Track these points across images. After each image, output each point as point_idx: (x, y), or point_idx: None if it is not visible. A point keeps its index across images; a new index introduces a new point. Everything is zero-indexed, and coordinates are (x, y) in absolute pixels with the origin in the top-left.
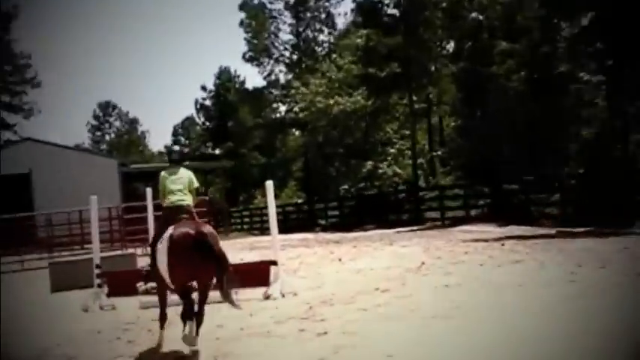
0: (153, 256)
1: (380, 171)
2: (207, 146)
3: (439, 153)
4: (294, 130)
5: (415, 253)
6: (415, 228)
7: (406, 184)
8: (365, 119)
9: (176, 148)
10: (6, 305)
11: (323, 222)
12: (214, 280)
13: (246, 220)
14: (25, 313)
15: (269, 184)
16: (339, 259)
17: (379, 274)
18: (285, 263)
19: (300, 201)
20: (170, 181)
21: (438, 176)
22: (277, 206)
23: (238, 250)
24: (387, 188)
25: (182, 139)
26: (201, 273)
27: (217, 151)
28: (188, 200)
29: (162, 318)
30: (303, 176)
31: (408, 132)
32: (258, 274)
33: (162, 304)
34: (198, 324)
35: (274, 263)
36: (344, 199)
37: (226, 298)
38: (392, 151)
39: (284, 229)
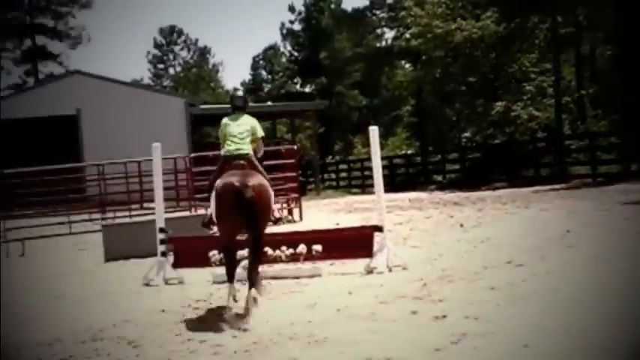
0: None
1: (513, 114)
2: (295, 82)
3: (590, 92)
4: (403, 62)
5: (558, 219)
6: (558, 187)
7: (546, 131)
8: (495, 48)
9: (239, 93)
10: (50, 276)
11: (439, 178)
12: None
13: (343, 174)
14: (74, 286)
15: (373, 130)
16: (461, 225)
17: (511, 245)
18: (392, 229)
19: (410, 152)
20: (231, 128)
21: (588, 121)
22: (383, 158)
23: (333, 212)
24: (522, 136)
25: (264, 73)
26: (240, 226)
27: (307, 89)
28: (247, 149)
29: (229, 273)
30: (415, 121)
31: (549, 65)
32: (358, 243)
33: (226, 258)
34: (250, 285)
35: (379, 229)
36: (466, 150)
37: (249, 272)
38: (529, 88)
39: (391, 186)
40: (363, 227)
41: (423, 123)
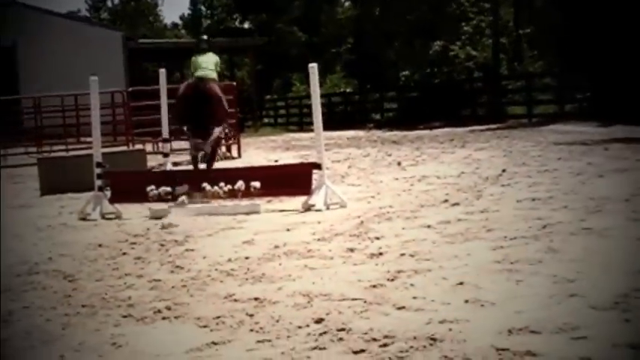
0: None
1: (451, 53)
2: (234, 18)
3: (527, 31)
4: (343, 0)
5: (494, 158)
6: (494, 126)
7: (484, 71)
8: None
9: (204, 37)
10: None
11: (378, 117)
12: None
13: (282, 112)
14: (9, 219)
15: (312, 68)
16: (398, 164)
17: (448, 184)
18: (330, 167)
19: (349, 90)
20: (199, 60)
21: (525, 61)
22: (321, 96)
23: (271, 149)
24: (460, 75)
25: (202, 8)
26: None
27: (246, 25)
28: (213, 75)
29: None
30: (353, 59)
31: (488, 5)
32: (296, 180)
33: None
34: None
35: (317, 167)
36: (404, 89)
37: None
38: (466, 28)
39: (329, 124)
40: (301, 164)
41: (361, 62)
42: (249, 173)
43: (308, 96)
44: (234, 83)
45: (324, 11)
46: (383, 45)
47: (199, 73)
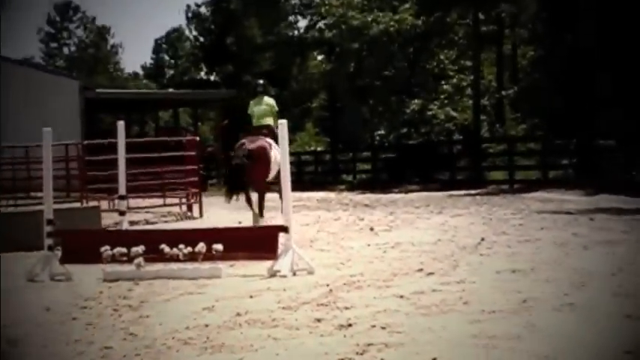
0: None
1: (429, 113)
2: (200, 69)
3: (510, 93)
4: (316, 53)
5: (472, 226)
6: (474, 192)
7: (464, 133)
8: (413, 43)
9: (260, 81)
10: None
11: (350, 178)
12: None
13: None
14: None
15: (282, 124)
16: (371, 229)
17: (423, 252)
18: (298, 230)
19: (320, 149)
20: (255, 108)
21: (507, 124)
22: (291, 154)
23: (235, 209)
24: (438, 137)
25: (166, 57)
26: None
27: (213, 77)
28: (267, 121)
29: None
30: (325, 116)
31: (469, 63)
32: (261, 243)
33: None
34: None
35: (284, 230)
36: (379, 149)
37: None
38: (446, 87)
39: (298, 184)
40: (267, 227)
41: (334, 118)
42: (211, 235)
43: None
44: (197, 138)
45: (296, 64)
46: (357, 102)
47: (255, 122)
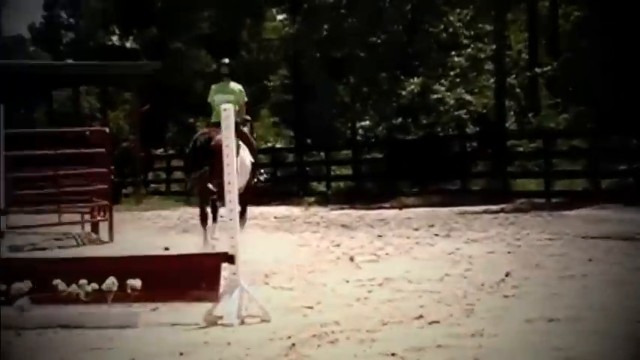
0: None
1: (434, 96)
2: (111, 32)
3: (547, 69)
4: (275, 11)
5: (493, 256)
6: (495, 208)
7: (482, 125)
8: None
9: (226, 60)
10: None
11: (322, 187)
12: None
13: (179, 174)
14: None
15: (226, 110)
16: (351, 259)
17: (424, 291)
18: (248, 260)
19: (280, 146)
20: (217, 97)
21: (542, 113)
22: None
23: (160, 230)
24: (446, 130)
25: (64, 15)
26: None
27: (129, 44)
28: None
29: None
30: (288, 100)
31: (490, 27)
32: (197, 279)
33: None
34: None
35: (229, 259)
36: (363, 147)
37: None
38: (458, 60)
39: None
40: (204, 255)
41: (299, 103)
42: (125, 266)
43: None
44: (107, 129)
45: (246, 27)
46: (332, 80)
47: (215, 117)
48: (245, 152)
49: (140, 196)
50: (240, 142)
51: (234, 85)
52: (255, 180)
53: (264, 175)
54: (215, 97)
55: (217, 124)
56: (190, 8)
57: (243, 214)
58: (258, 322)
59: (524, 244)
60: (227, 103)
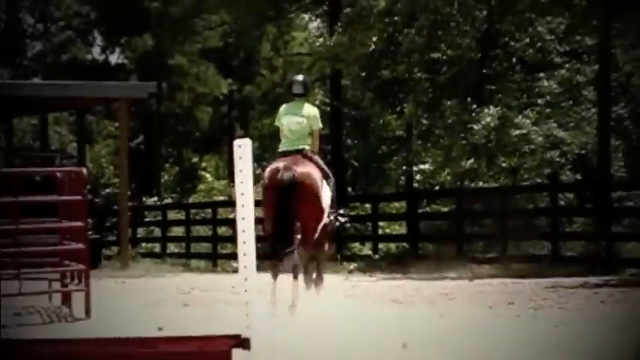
0: None
1: (516, 132)
2: (91, 43)
3: None
4: (306, 17)
5: (594, 344)
6: (597, 280)
7: (581, 170)
8: (489, 2)
9: (299, 77)
10: None
11: (367, 249)
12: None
13: (178, 231)
14: None
15: (241, 147)
16: (403, 346)
17: None
18: (267, 344)
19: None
20: (288, 120)
21: None
22: (257, 203)
23: (154, 303)
24: (532, 177)
25: (30, 20)
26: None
27: (115, 58)
28: (304, 145)
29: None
30: (323, 134)
31: (590, 40)
32: None
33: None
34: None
35: (242, 343)
36: (422, 197)
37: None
38: (548, 84)
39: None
40: (210, 339)
41: (338, 138)
42: (106, 352)
43: (230, 202)
44: (84, 170)
45: (268, 37)
46: (382, 108)
47: (286, 145)
48: (326, 188)
49: (127, 259)
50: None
51: (309, 109)
52: (335, 222)
53: (346, 218)
54: (284, 119)
55: (287, 154)
56: (196, 12)
57: (318, 268)
58: None
59: (636, 329)
60: (242, 139)
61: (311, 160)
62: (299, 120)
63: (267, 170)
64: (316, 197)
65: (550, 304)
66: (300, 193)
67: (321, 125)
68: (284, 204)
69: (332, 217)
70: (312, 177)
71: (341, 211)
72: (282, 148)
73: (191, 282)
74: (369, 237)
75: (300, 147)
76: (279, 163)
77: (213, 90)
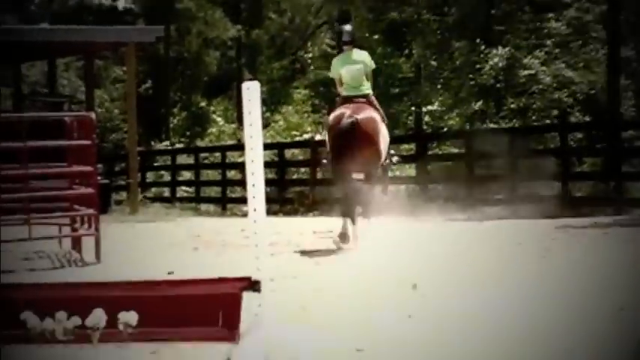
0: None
1: (525, 72)
2: None
3: None
4: None
5: (602, 283)
6: (607, 219)
7: (589, 110)
8: None
9: (347, 27)
10: None
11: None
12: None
13: (186, 175)
14: None
15: (249, 89)
16: (413, 287)
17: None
18: (278, 287)
19: (320, 138)
20: (344, 71)
21: None
22: (267, 146)
23: (163, 247)
24: (541, 117)
25: None
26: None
27: (123, 3)
28: (364, 89)
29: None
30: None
31: None
32: (210, 311)
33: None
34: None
35: (252, 286)
36: (430, 139)
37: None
38: (557, 24)
39: (279, 202)
40: (220, 280)
41: None
42: (116, 295)
43: (239, 146)
44: (92, 115)
45: None
46: (390, 50)
47: (349, 92)
48: (384, 127)
49: (136, 204)
50: (380, 119)
51: (360, 53)
52: (388, 161)
53: (396, 157)
54: (342, 69)
55: (350, 99)
56: None
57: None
58: None
59: None
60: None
61: (371, 104)
62: (357, 67)
63: (332, 116)
64: (376, 141)
65: (560, 245)
66: (362, 138)
67: (374, 65)
68: (347, 147)
69: (388, 159)
70: (374, 122)
71: (391, 152)
72: (344, 92)
73: (200, 225)
74: None
75: (366, 92)
76: (344, 110)
77: (222, 34)
